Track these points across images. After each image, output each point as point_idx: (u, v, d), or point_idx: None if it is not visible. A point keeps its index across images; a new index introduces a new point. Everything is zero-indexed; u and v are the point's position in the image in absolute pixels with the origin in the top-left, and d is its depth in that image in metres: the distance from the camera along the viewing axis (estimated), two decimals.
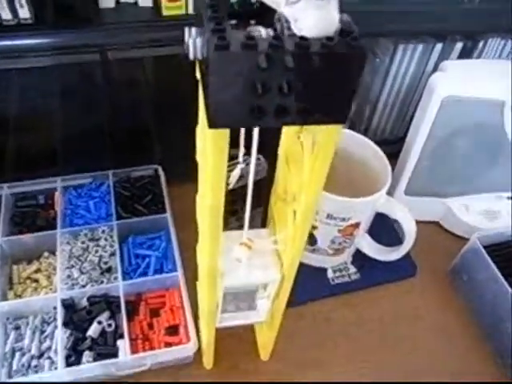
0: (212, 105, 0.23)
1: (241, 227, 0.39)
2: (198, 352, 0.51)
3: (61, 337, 0.48)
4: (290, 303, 0.45)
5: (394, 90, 0.68)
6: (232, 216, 0.54)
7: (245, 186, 0.35)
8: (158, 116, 0.63)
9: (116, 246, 0.56)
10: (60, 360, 0.46)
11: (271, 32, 0.22)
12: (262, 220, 0.48)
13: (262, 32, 0.22)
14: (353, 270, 0.62)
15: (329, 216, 0.53)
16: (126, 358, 0.46)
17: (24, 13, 0.49)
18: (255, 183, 0.35)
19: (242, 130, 0.30)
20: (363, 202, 0.52)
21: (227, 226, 0.36)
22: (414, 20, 0.59)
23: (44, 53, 0.51)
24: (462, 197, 0.67)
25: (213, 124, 0.24)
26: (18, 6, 0.48)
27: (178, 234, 0.58)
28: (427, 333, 0.58)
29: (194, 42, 0.23)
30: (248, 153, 0.32)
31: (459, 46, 0.64)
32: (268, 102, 0.23)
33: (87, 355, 0.47)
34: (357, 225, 0.55)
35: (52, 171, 0.61)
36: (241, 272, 0.40)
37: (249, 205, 0.37)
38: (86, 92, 0.57)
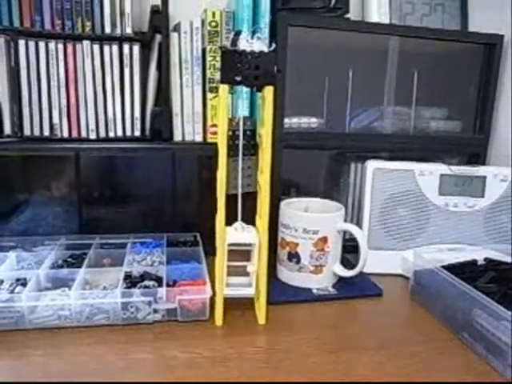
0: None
1: None
2: (211, 315, 0.72)
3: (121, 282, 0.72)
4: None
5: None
6: None
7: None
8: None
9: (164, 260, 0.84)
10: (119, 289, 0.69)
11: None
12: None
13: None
14: (332, 289, 0.83)
15: (304, 230, 0.81)
16: (162, 290, 0.69)
17: (137, 133, 0.95)
18: None
19: None
20: (325, 216, 0.81)
21: None
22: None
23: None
24: (413, 249, 0.91)
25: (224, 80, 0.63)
26: (135, 129, 0.94)
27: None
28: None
29: None
30: None
31: None
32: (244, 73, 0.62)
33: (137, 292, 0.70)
34: (325, 239, 0.82)
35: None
36: (236, 235, 0.71)
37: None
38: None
